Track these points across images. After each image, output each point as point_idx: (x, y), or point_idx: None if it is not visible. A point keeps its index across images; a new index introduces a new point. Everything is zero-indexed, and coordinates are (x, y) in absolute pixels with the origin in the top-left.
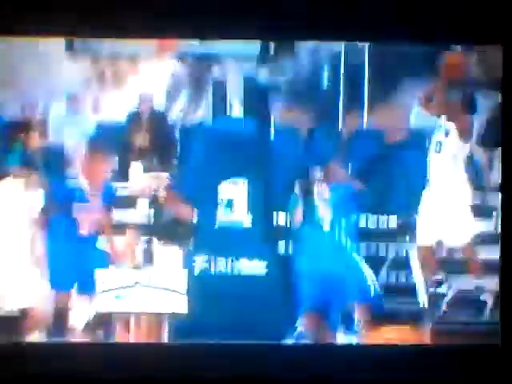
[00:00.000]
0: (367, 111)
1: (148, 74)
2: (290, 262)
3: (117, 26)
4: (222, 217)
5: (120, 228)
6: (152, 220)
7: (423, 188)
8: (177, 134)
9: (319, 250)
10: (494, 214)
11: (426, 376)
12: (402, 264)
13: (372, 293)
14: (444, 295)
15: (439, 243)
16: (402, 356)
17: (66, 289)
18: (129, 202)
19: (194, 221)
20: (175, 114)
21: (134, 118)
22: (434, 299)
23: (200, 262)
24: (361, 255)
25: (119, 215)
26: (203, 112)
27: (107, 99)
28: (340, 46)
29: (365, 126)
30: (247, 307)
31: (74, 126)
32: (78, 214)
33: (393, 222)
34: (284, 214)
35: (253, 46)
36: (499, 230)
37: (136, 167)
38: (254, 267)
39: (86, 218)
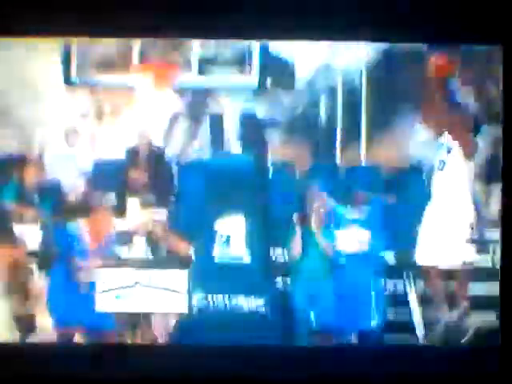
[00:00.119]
0: (365, 144)
1: (145, 108)
2: (289, 296)
3: (117, 26)
4: (219, 253)
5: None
6: (149, 255)
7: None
8: (174, 170)
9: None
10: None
11: (426, 376)
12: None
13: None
14: None
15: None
16: (401, 356)
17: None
18: (126, 238)
19: (192, 257)
20: (172, 151)
21: (132, 154)
22: None
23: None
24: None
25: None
26: (200, 147)
27: (105, 135)
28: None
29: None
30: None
31: (70, 161)
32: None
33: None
34: (281, 249)
35: (250, 79)
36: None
37: (133, 203)
38: (252, 303)
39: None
